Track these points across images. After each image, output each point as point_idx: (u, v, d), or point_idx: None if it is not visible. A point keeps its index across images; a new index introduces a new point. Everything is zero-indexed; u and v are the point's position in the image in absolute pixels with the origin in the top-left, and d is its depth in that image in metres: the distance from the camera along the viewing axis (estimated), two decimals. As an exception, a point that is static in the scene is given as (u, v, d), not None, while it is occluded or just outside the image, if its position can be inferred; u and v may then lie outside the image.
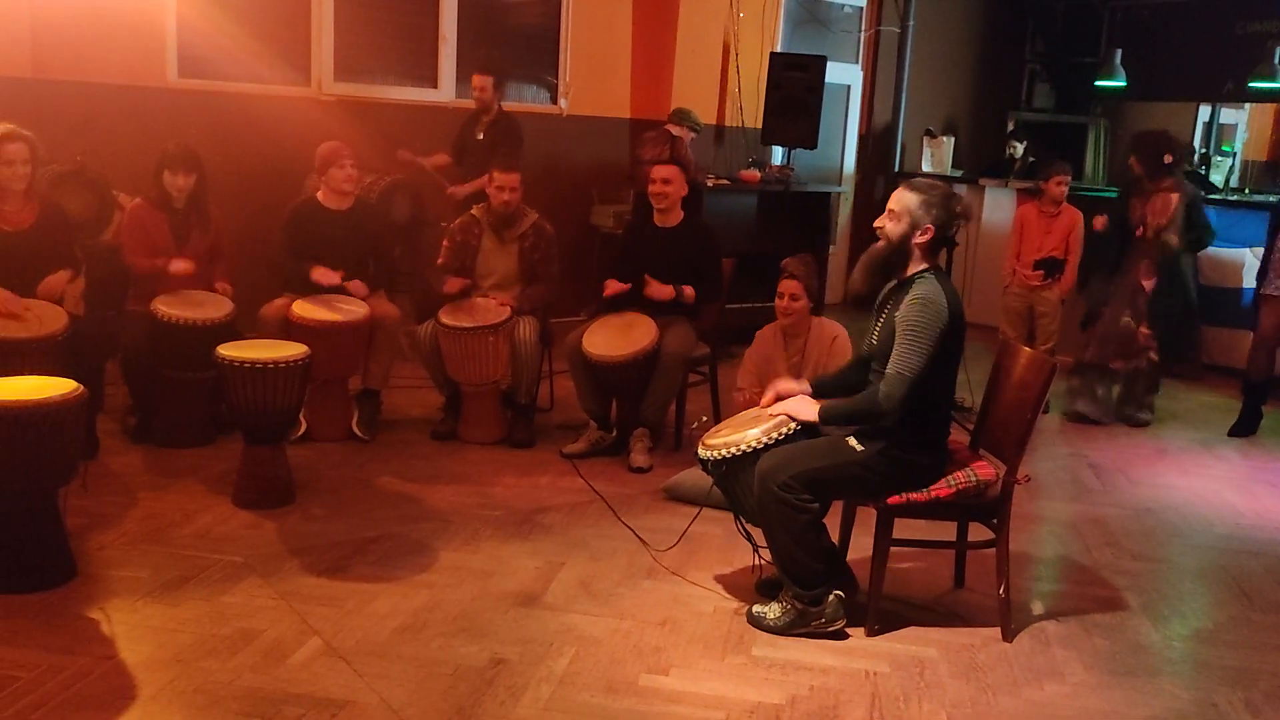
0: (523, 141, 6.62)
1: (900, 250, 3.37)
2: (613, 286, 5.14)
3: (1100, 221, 6.19)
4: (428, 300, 5.50)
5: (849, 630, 3.42)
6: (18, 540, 3.38)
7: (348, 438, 5.06)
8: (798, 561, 3.36)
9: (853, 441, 3.38)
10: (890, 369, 3.27)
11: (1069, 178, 6.39)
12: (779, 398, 3.58)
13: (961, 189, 8.60)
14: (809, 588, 3.37)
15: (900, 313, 3.30)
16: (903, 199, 3.37)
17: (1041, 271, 6.36)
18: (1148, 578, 4.10)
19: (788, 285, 4.51)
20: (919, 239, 3.34)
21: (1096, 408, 6.26)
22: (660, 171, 5.17)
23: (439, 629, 3.30)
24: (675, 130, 7.34)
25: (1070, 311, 6.51)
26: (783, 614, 3.41)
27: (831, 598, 3.39)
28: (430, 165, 6.79)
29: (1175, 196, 5.95)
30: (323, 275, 5.01)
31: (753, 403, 4.57)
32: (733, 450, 3.45)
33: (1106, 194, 8.28)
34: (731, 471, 3.48)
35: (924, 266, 3.36)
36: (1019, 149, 10.07)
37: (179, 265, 4.82)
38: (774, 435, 3.43)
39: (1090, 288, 6.33)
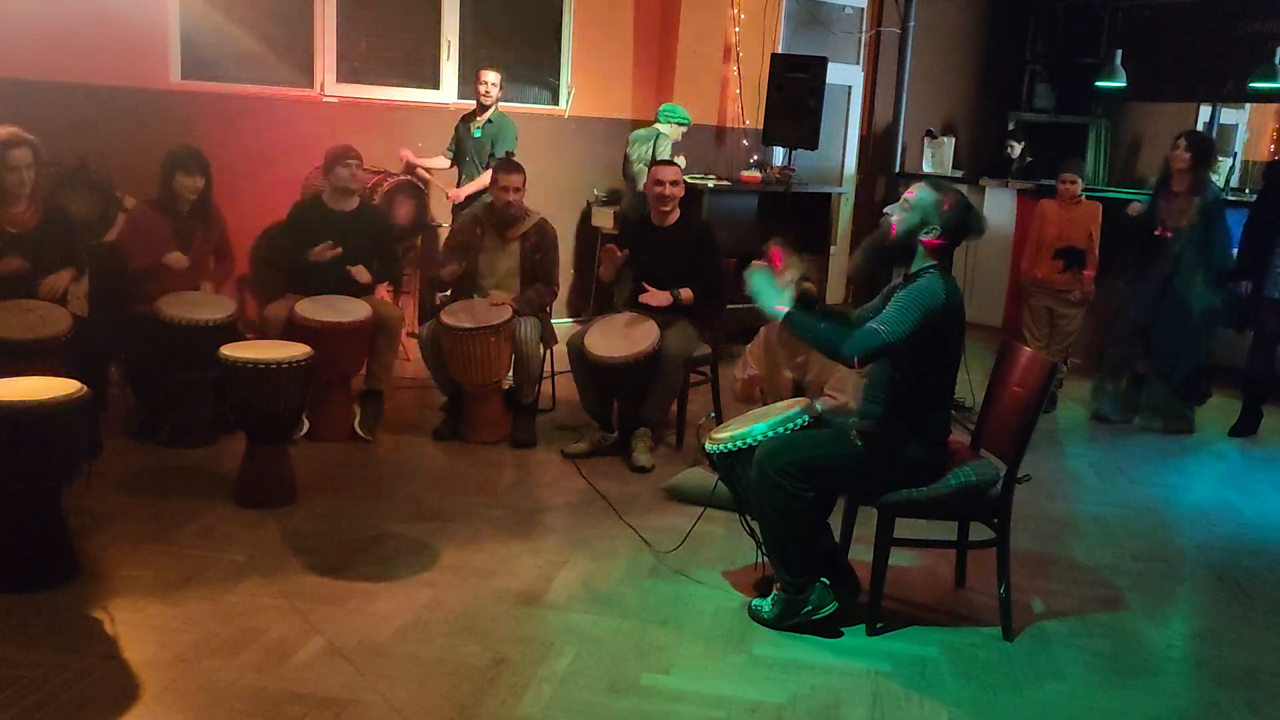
0: (516, 141, 6.64)
1: (902, 244, 3.35)
2: (608, 263, 5.11)
3: (1135, 208, 6.08)
4: (429, 301, 5.51)
5: (848, 629, 3.43)
6: (21, 539, 3.39)
7: (350, 438, 5.07)
8: (786, 548, 3.38)
9: (854, 435, 3.40)
10: (871, 323, 3.25)
11: (1075, 175, 6.37)
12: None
13: (962, 189, 8.60)
14: (795, 575, 3.39)
15: (900, 290, 3.32)
16: (922, 194, 3.34)
17: (1060, 262, 6.32)
18: (1149, 577, 4.10)
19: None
20: (925, 238, 3.32)
21: (1115, 407, 6.29)
22: (665, 173, 5.17)
23: (441, 628, 3.31)
24: (664, 129, 7.35)
25: (1087, 317, 6.51)
26: (773, 606, 3.44)
27: (815, 585, 3.41)
28: (430, 169, 6.81)
29: (1197, 200, 5.85)
30: (319, 253, 5.00)
31: (750, 387, 4.60)
32: (739, 443, 3.47)
33: (1109, 194, 8.28)
34: (737, 465, 3.49)
35: (930, 264, 3.34)
36: (1016, 149, 10.09)
37: (174, 258, 4.83)
38: (779, 429, 3.45)
39: (1116, 289, 6.30)
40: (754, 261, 3.42)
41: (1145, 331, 6.04)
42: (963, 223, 3.32)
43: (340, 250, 5.02)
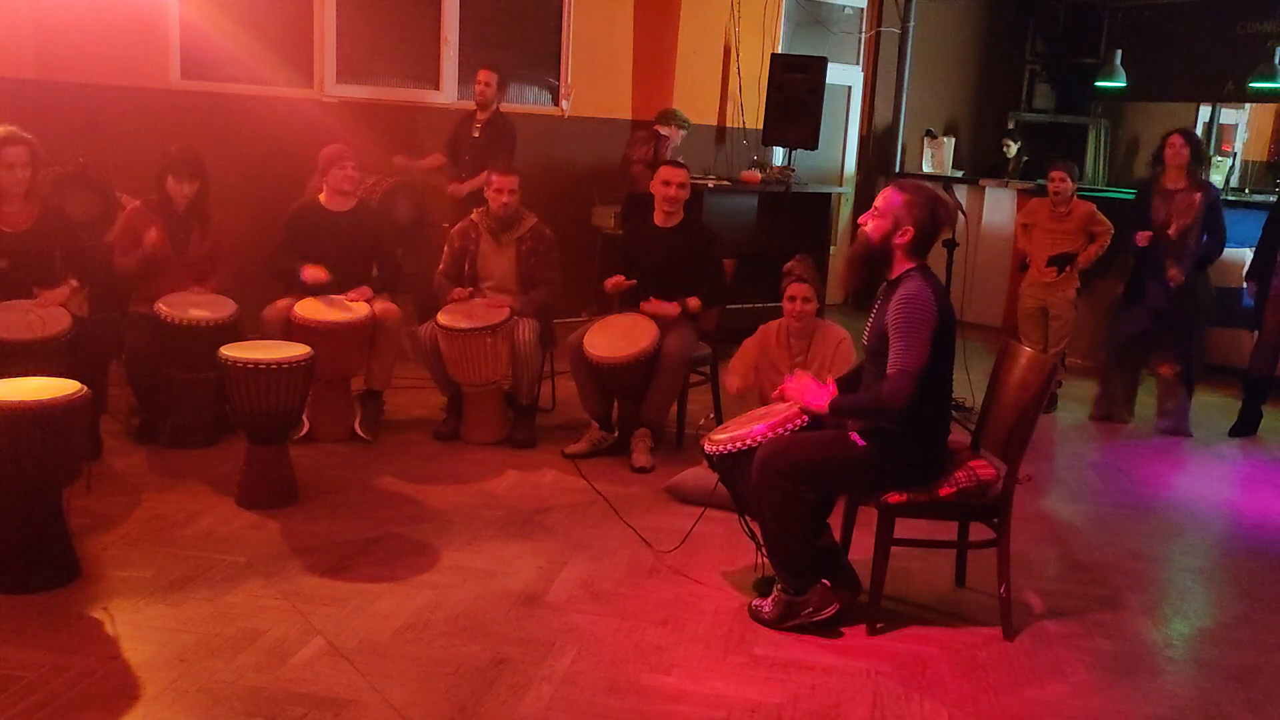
0: (516, 142, 6.65)
1: (881, 249, 3.37)
2: (614, 282, 5.16)
3: (1144, 238, 5.92)
4: (429, 301, 5.51)
5: (848, 629, 3.43)
6: (22, 540, 3.39)
7: (350, 438, 5.07)
8: (788, 550, 3.39)
9: (855, 436, 3.40)
10: (891, 368, 3.28)
11: (1063, 174, 6.25)
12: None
13: (962, 190, 8.62)
14: (797, 577, 3.40)
15: (889, 313, 3.33)
16: (889, 199, 3.38)
17: (1055, 268, 6.31)
18: (1149, 577, 4.11)
19: (799, 289, 4.52)
20: (898, 239, 3.35)
21: (1122, 408, 6.30)
22: (674, 175, 5.16)
23: (441, 629, 3.31)
24: (663, 130, 7.36)
25: (1083, 314, 6.50)
26: (774, 606, 3.44)
27: (817, 586, 3.41)
28: (426, 167, 6.82)
29: (1199, 196, 5.85)
30: (312, 275, 5.02)
31: (745, 391, 4.62)
32: (738, 445, 3.47)
33: (1109, 194, 8.27)
34: (736, 466, 3.50)
35: (910, 265, 3.37)
36: (1013, 148, 10.09)
37: (152, 235, 4.80)
38: (779, 430, 3.45)
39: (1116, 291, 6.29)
40: (790, 379, 3.62)
41: (1162, 332, 6.04)
42: (933, 218, 3.35)
43: (330, 278, 5.02)
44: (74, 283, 4.63)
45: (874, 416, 3.37)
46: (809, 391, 3.48)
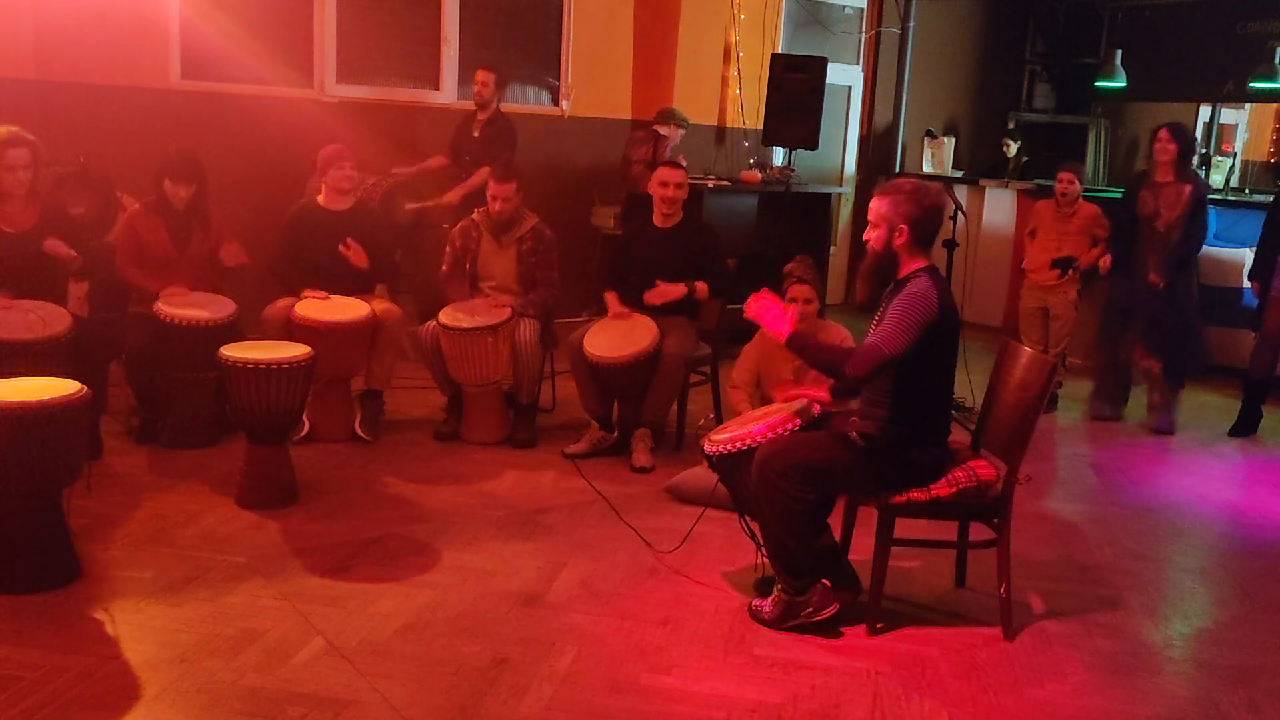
0: (515, 144, 6.65)
1: (887, 256, 3.40)
2: (613, 303, 5.18)
3: (1105, 264, 6.07)
4: (429, 301, 5.52)
5: (848, 629, 3.43)
6: (22, 541, 3.39)
7: (350, 438, 5.07)
8: (788, 550, 3.39)
9: (855, 436, 3.41)
10: (868, 341, 3.31)
11: (1072, 175, 6.27)
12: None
13: (962, 190, 8.62)
14: (796, 576, 3.40)
15: (892, 305, 3.35)
16: (876, 207, 3.41)
17: (1058, 270, 6.31)
18: (1149, 577, 4.11)
19: (800, 290, 4.53)
20: (897, 240, 3.37)
21: (1113, 408, 6.30)
22: (671, 176, 5.17)
23: (441, 629, 3.31)
24: (663, 130, 7.37)
25: (1084, 315, 6.50)
26: (774, 607, 3.45)
27: (817, 586, 3.42)
28: (428, 169, 6.83)
29: (1189, 189, 5.87)
30: (311, 298, 5.04)
31: (746, 403, 4.61)
32: (738, 445, 3.48)
33: (1110, 194, 8.28)
34: (736, 467, 3.50)
35: (917, 265, 3.38)
36: (1013, 148, 10.09)
37: (172, 291, 4.82)
38: (779, 430, 3.45)
39: (1110, 290, 6.30)
40: (754, 296, 3.51)
41: (1147, 326, 6.04)
42: (919, 207, 3.37)
43: (328, 298, 5.05)
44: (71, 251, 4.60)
45: (828, 370, 3.39)
46: (769, 314, 3.41)
